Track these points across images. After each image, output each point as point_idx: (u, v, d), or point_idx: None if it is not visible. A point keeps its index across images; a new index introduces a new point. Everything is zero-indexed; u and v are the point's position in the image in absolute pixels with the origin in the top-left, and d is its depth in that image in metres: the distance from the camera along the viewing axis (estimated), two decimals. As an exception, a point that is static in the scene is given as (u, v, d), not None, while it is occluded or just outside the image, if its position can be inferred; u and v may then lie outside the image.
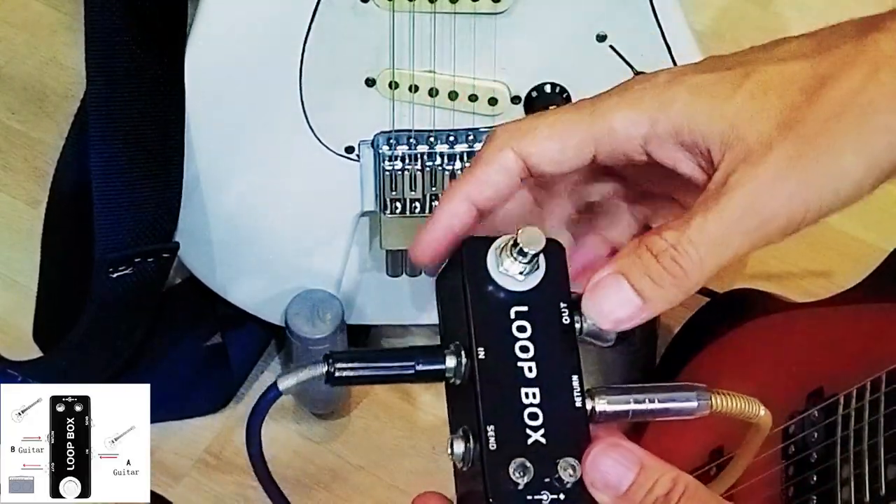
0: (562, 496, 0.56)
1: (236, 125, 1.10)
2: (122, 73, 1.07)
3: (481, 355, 0.58)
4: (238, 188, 1.14)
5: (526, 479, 0.56)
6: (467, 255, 0.60)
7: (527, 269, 0.59)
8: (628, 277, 0.58)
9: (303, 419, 1.26)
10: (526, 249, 0.58)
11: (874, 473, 0.87)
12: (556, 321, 0.60)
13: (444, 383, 0.61)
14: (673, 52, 1.06)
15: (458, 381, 0.59)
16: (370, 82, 1.08)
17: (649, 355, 1.23)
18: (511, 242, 0.59)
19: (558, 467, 0.56)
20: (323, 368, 0.61)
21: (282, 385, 0.62)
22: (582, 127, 0.60)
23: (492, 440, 0.57)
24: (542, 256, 0.60)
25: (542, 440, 0.57)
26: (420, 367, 0.60)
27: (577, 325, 0.60)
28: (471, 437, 0.58)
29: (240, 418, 1.26)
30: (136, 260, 1.10)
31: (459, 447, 0.58)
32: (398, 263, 1.18)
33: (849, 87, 0.57)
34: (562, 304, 0.60)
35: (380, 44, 1.05)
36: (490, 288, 0.59)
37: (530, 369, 0.58)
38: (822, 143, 0.56)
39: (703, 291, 1.22)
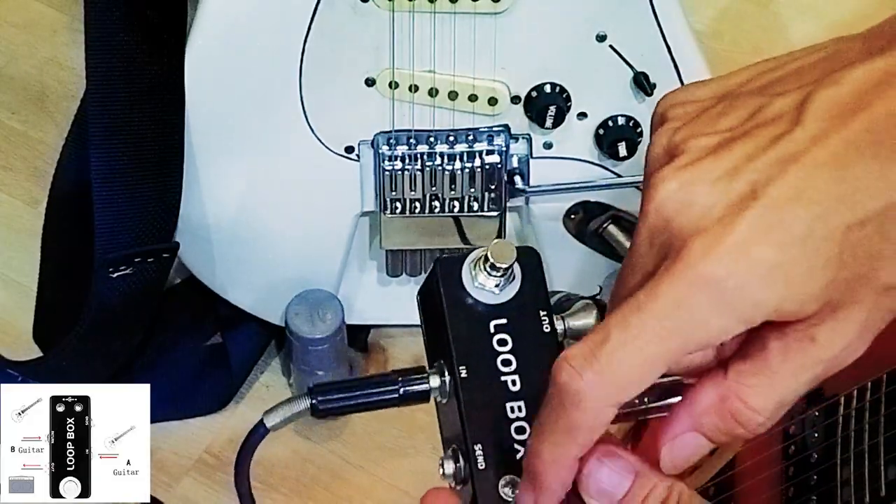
0: None
1: (236, 125, 1.10)
2: (122, 73, 1.06)
3: (463, 374, 0.58)
4: (238, 188, 1.14)
5: (513, 499, 0.56)
6: (442, 274, 0.60)
7: (502, 282, 0.59)
8: (706, 435, 0.55)
9: (303, 419, 1.26)
10: (497, 264, 0.58)
11: (874, 474, 0.87)
12: (537, 330, 0.59)
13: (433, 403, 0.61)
14: (673, 52, 1.06)
15: (444, 400, 0.59)
16: (370, 82, 1.08)
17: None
18: (483, 257, 0.59)
19: None
20: (307, 402, 0.61)
21: (269, 422, 0.62)
22: (676, 355, 0.53)
23: (480, 459, 0.57)
24: (517, 266, 0.59)
25: None
26: (404, 390, 0.60)
27: (561, 328, 0.60)
28: (460, 457, 0.57)
29: (240, 418, 1.26)
30: (136, 260, 1.10)
31: (450, 467, 0.58)
32: (398, 263, 1.18)
33: None
34: (541, 312, 0.60)
35: (380, 44, 1.05)
36: (467, 303, 0.59)
37: (514, 382, 0.58)
38: None
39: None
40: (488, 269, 0.59)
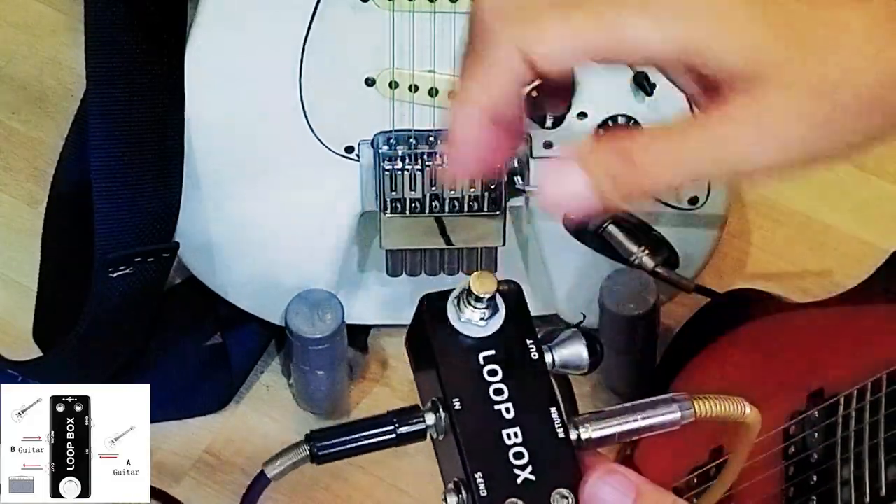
0: None
1: (236, 125, 1.10)
2: (122, 73, 1.07)
3: (457, 406, 0.59)
4: (238, 188, 1.14)
5: None
6: (428, 313, 0.61)
7: (487, 314, 0.60)
8: (587, 167, 0.55)
9: (303, 419, 1.26)
10: (480, 295, 0.59)
11: (874, 474, 0.87)
12: (526, 358, 0.60)
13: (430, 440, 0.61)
14: (673, 52, 1.06)
15: (440, 437, 0.60)
16: (370, 82, 1.08)
17: (649, 355, 1.23)
18: (465, 291, 0.60)
19: (552, 500, 0.57)
20: (306, 450, 0.62)
21: (269, 472, 0.63)
22: (597, 24, 0.54)
23: (482, 487, 0.57)
24: (499, 298, 0.60)
25: (532, 477, 0.57)
26: (401, 430, 0.61)
27: (550, 359, 0.60)
28: (462, 488, 0.58)
29: (240, 418, 1.26)
30: (136, 260, 1.10)
31: (453, 500, 0.59)
32: (398, 263, 1.18)
33: None
34: (528, 341, 0.61)
35: (380, 43, 1.05)
36: (455, 339, 0.60)
37: (507, 410, 0.59)
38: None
39: (704, 291, 1.22)
40: (472, 301, 0.60)
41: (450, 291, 0.61)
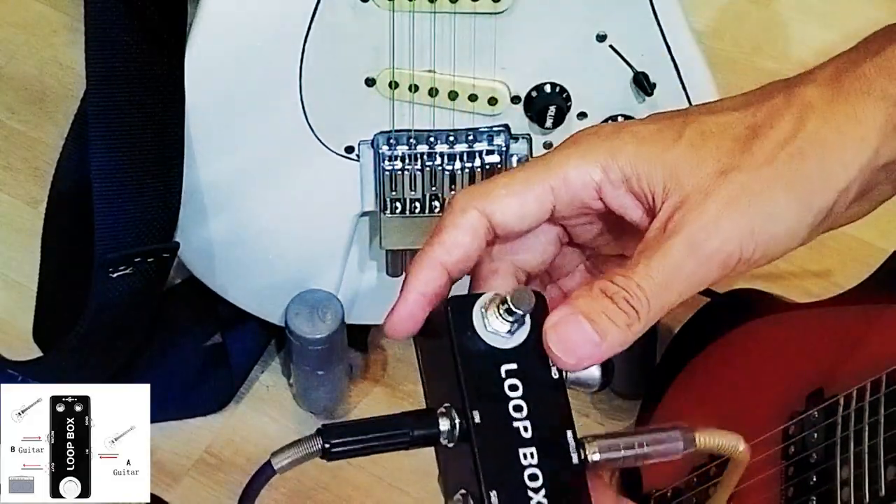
0: None
1: (236, 125, 1.10)
2: (122, 73, 1.07)
3: (477, 419, 0.58)
4: (238, 188, 1.14)
5: None
6: (453, 316, 0.60)
7: (514, 327, 0.60)
8: (587, 316, 0.59)
9: (303, 419, 1.26)
10: (516, 310, 0.59)
11: (874, 474, 0.87)
12: (546, 376, 0.60)
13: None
14: (673, 53, 1.06)
15: (451, 444, 0.59)
16: (370, 82, 1.08)
17: (649, 356, 1.23)
18: (498, 301, 0.59)
19: None
20: (318, 445, 0.61)
21: (276, 463, 0.62)
22: (538, 180, 0.62)
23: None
24: (528, 319, 0.60)
25: (545, 501, 0.57)
26: (415, 433, 0.60)
27: (564, 374, 0.60)
28: (471, 501, 0.57)
29: (240, 418, 1.26)
30: (136, 260, 1.10)
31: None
32: (398, 263, 1.18)
33: (778, 137, 0.61)
34: (549, 359, 0.60)
35: (380, 44, 1.05)
36: (478, 347, 0.60)
37: (525, 429, 0.59)
38: (755, 189, 0.60)
39: (704, 292, 1.21)
40: (503, 313, 0.59)
41: (476, 296, 0.60)
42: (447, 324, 0.60)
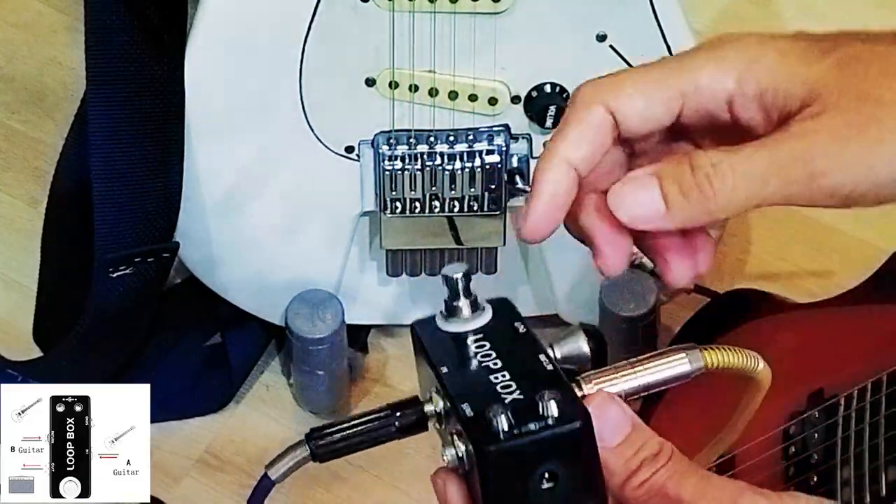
0: (550, 421, 0.55)
1: (236, 125, 1.10)
2: (122, 73, 1.07)
3: (444, 370, 0.59)
4: (238, 188, 1.14)
5: (506, 420, 0.55)
6: (421, 332, 0.61)
7: (471, 309, 0.60)
8: (660, 180, 0.57)
9: (303, 419, 1.26)
10: (449, 276, 0.59)
11: (874, 474, 0.87)
12: (514, 334, 0.60)
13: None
14: (673, 53, 1.06)
15: (442, 426, 0.60)
16: (370, 82, 1.08)
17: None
18: (448, 306, 0.60)
19: (538, 403, 0.56)
20: (307, 450, 0.61)
21: (273, 474, 0.62)
22: (669, 83, 0.59)
23: (467, 410, 0.56)
24: (487, 305, 0.60)
25: (520, 396, 0.57)
26: (401, 421, 0.61)
27: (552, 355, 0.60)
28: (454, 436, 0.58)
29: (240, 418, 1.26)
30: (136, 260, 1.10)
31: (450, 452, 0.58)
32: (398, 263, 1.18)
33: None
34: (516, 323, 0.60)
35: (380, 44, 1.05)
36: (444, 336, 0.60)
37: (495, 364, 0.59)
38: (891, 125, 0.56)
39: (704, 291, 1.22)
40: (451, 293, 0.59)
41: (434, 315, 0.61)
42: (419, 340, 0.61)
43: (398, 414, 0.61)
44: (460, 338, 0.60)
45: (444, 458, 0.58)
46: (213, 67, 1.08)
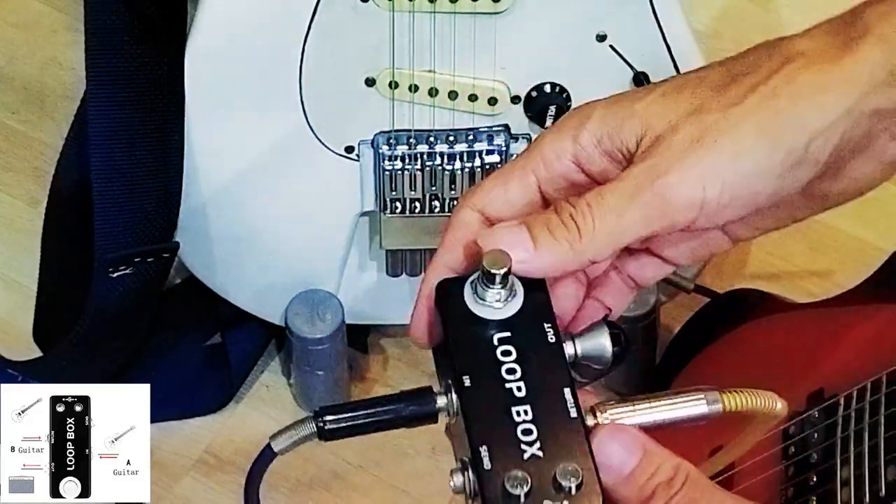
0: (566, 502, 0.55)
1: (236, 125, 1.10)
2: (122, 73, 1.07)
3: (466, 383, 0.58)
4: (238, 188, 1.14)
5: (525, 489, 0.55)
6: (444, 298, 0.61)
7: (503, 296, 0.59)
8: (528, 225, 0.60)
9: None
10: (492, 272, 0.59)
11: (874, 474, 0.87)
12: (542, 340, 0.59)
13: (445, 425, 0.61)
14: (673, 53, 1.06)
15: (453, 420, 0.59)
16: (370, 82, 1.08)
17: (649, 355, 1.23)
18: (481, 272, 0.59)
19: (557, 475, 0.55)
20: (313, 426, 0.61)
21: (276, 446, 0.62)
22: (519, 165, 0.63)
23: (485, 459, 0.56)
24: (517, 283, 0.60)
25: (539, 453, 0.56)
26: (410, 410, 0.60)
27: (572, 350, 0.60)
28: (468, 466, 0.57)
29: (240, 418, 1.26)
30: (136, 260, 1.10)
31: (458, 479, 0.58)
32: (398, 263, 1.18)
33: (753, 80, 0.60)
34: (545, 325, 0.60)
35: (380, 44, 1.05)
36: (470, 320, 0.60)
37: (519, 389, 0.58)
38: (722, 127, 0.59)
39: (704, 291, 1.22)
40: (487, 282, 0.59)
41: (468, 276, 0.60)
42: (441, 304, 0.60)
43: (410, 403, 0.60)
44: (486, 336, 0.59)
45: (451, 483, 0.58)
46: (212, 67, 1.08)
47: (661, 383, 1.15)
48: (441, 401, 0.59)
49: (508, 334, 0.59)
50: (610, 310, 0.66)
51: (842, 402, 0.93)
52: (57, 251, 1.25)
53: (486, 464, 0.56)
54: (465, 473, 0.57)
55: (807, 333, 1.05)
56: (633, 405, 0.60)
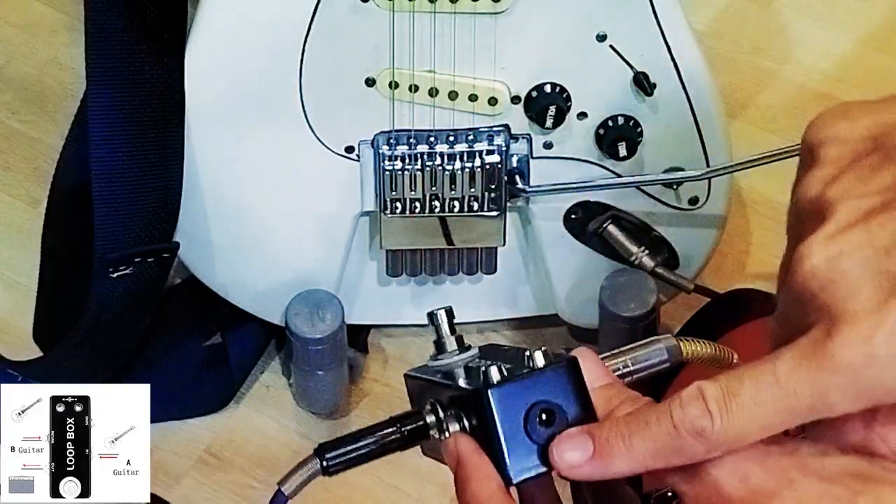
0: (540, 365, 0.59)
1: (236, 125, 1.10)
2: (122, 73, 1.06)
3: (438, 377, 0.64)
4: (238, 188, 1.14)
5: (497, 371, 0.59)
6: (414, 375, 0.66)
7: (456, 343, 0.65)
8: (591, 434, 0.59)
9: (303, 419, 1.26)
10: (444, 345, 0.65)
11: (874, 474, 0.87)
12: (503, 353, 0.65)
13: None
14: (673, 52, 1.06)
15: (441, 437, 0.63)
16: (370, 82, 1.08)
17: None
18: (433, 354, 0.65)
19: (525, 359, 0.60)
20: (317, 464, 0.65)
21: (287, 489, 0.65)
22: (783, 425, 0.57)
23: (461, 381, 0.62)
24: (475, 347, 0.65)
25: (508, 366, 0.60)
26: (406, 429, 0.63)
27: (623, 366, 0.64)
28: (459, 408, 0.61)
29: (240, 418, 1.26)
30: (136, 260, 1.10)
31: (454, 426, 0.62)
32: (398, 263, 1.18)
33: None
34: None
35: (380, 44, 1.05)
36: (436, 367, 0.65)
37: (485, 361, 0.62)
38: None
39: (704, 291, 1.22)
40: (435, 333, 0.65)
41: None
42: (413, 386, 0.67)
43: (402, 424, 0.63)
44: (449, 366, 0.64)
45: (449, 430, 0.61)
46: (212, 67, 1.08)
47: (661, 384, 1.15)
48: (430, 417, 0.63)
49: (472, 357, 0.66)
50: None
51: (842, 402, 0.93)
52: (57, 251, 1.25)
53: (464, 382, 0.62)
54: (458, 413, 0.61)
55: (807, 333, 1.05)
56: (602, 357, 0.62)
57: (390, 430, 0.63)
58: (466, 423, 0.60)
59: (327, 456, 0.64)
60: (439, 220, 1.13)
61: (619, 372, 0.61)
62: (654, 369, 0.61)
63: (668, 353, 0.61)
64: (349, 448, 0.64)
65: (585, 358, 0.59)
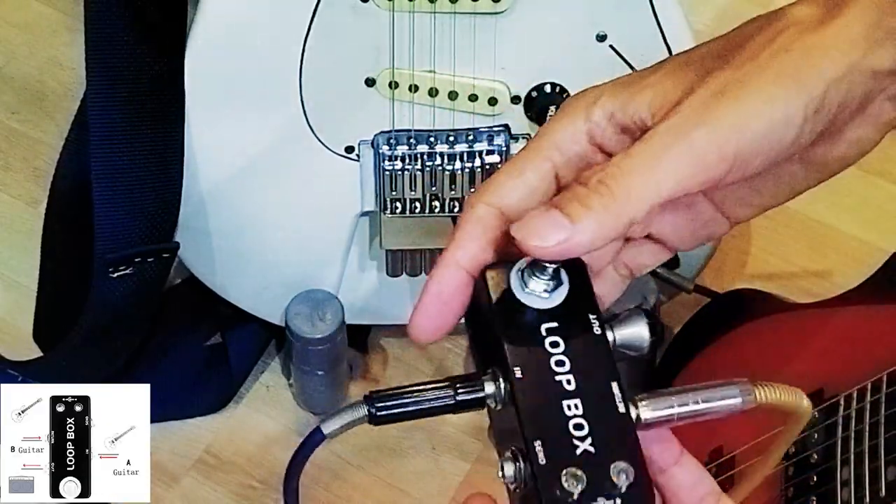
0: (618, 500, 0.56)
1: (236, 125, 1.10)
2: (122, 73, 1.07)
3: (518, 374, 0.59)
4: (238, 188, 1.14)
5: (580, 488, 0.56)
6: (490, 283, 0.60)
7: (551, 286, 0.59)
8: (558, 205, 0.58)
9: (303, 419, 1.26)
10: (544, 263, 0.59)
11: (874, 474, 0.87)
12: (589, 333, 0.60)
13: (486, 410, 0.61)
14: (673, 52, 1.06)
15: (499, 406, 0.60)
16: (370, 82, 1.08)
17: (649, 356, 1.23)
18: (531, 261, 0.59)
19: (611, 472, 0.56)
20: (364, 410, 0.61)
21: (326, 429, 0.63)
22: (529, 155, 0.62)
23: (540, 455, 0.57)
24: (563, 271, 0.60)
25: (591, 449, 0.57)
26: (460, 397, 0.60)
27: (611, 338, 0.60)
28: (519, 457, 0.58)
29: (240, 418, 1.26)
30: (137, 260, 1.10)
31: (510, 469, 0.58)
32: (398, 263, 1.18)
33: (760, 41, 0.60)
34: (591, 316, 0.60)
35: (380, 44, 1.05)
36: (518, 310, 0.60)
37: (569, 382, 0.59)
38: (741, 79, 0.58)
39: (704, 291, 1.22)
40: (537, 272, 0.59)
41: (513, 262, 0.60)
42: (486, 291, 0.60)
43: (459, 388, 0.60)
44: (535, 326, 0.60)
45: (500, 473, 0.58)
46: (212, 67, 1.08)
47: (661, 383, 1.15)
48: (489, 387, 0.60)
49: (556, 325, 0.59)
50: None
51: (842, 402, 0.93)
52: (57, 251, 1.25)
53: (541, 459, 0.57)
54: (517, 464, 0.58)
55: (807, 333, 1.05)
56: (671, 397, 0.60)
57: (445, 392, 0.60)
58: (521, 476, 0.58)
59: (377, 405, 0.61)
60: (452, 221, 1.13)
61: (688, 408, 0.61)
62: (724, 412, 0.61)
63: (742, 399, 0.61)
64: (400, 401, 0.61)
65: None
